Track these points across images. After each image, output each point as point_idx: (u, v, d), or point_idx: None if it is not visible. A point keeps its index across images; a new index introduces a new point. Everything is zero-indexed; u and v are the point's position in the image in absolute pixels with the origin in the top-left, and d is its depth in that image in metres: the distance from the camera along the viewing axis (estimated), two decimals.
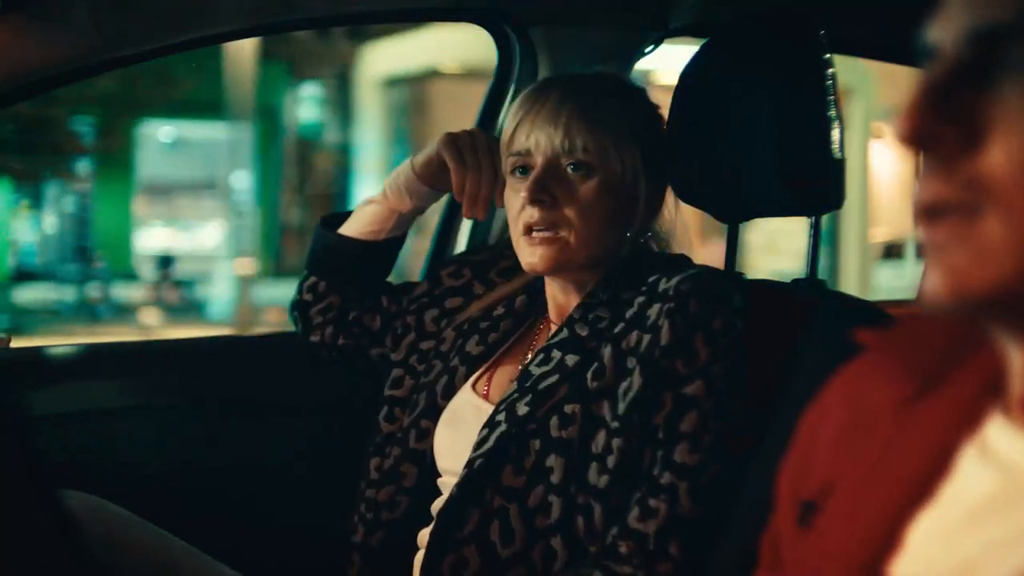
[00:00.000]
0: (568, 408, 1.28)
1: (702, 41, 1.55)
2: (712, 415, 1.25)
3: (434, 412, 1.45)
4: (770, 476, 0.83)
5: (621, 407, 1.25)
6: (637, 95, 1.43)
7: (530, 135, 1.35)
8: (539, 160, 1.34)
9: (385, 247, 1.63)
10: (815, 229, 1.48)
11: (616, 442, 1.24)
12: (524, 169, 1.37)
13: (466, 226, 1.89)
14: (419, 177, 1.57)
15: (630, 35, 1.75)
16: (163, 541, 1.36)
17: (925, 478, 0.65)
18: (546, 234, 1.34)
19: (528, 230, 1.34)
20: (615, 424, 1.25)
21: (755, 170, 1.43)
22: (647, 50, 1.80)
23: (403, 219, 1.62)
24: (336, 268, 1.64)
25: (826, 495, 0.73)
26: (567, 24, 1.75)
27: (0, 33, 1.36)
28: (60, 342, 1.75)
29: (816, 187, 1.44)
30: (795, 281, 1.49)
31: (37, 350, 1.73)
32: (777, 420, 1.23)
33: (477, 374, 1.45)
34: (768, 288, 1.50)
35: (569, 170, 1.34)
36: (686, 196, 1.51)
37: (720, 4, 1.70)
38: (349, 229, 1.63)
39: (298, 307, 1.68)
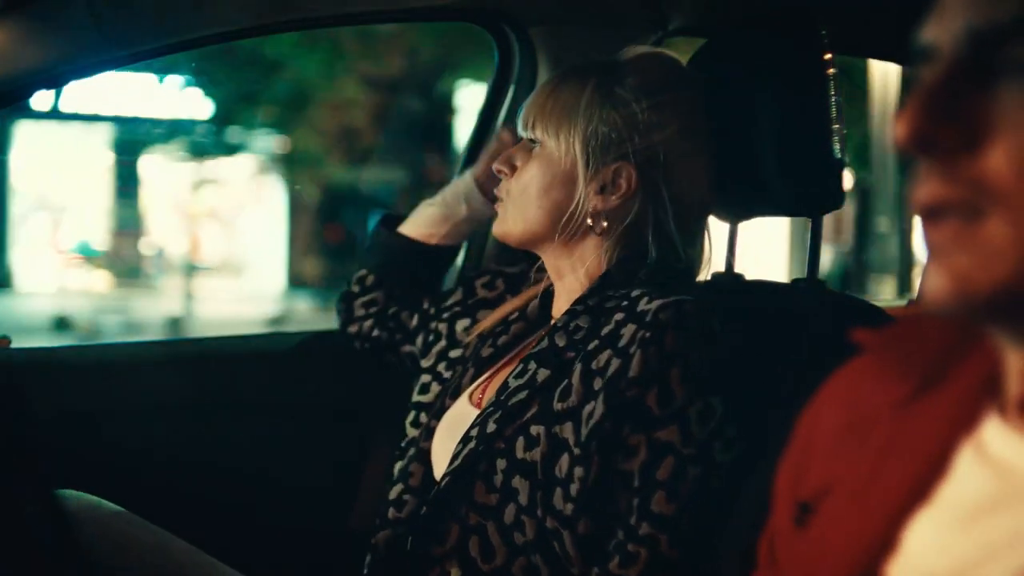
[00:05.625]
0: (534, 430, 1.26)
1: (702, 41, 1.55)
2: (690, 461, 1.21)
3: (441, 412, 1.46)
4: (770, 477, 0.83)
5: (583, 431, 1.23)
6: (608, 77, 1.37)
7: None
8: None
9: (436, 253, 1.68)
10: (815, 229, 1.48)
11: (577, 470, 1.22)
12: None
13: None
14: (478, 185, 1.65)
15: (630, 35, 1.75)
16: (163, 540, 1.36)
17: (922, 479, 0.65)
18: (501, 203, 1.44)
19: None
20: (577, 450, 1.23)
21: (755, 170, 1.43)
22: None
23: (458, 227, 1.68)
24: (385, 264, 1.69)
25: (822, 497, 0.73)
26: (567, 24, 1.74)
27: (0, 33, 1.36)
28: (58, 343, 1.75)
29: (816, 187, 1.44)
30: (795, 281, 1.49)
31: (37, 350, 1.73)
32: (778, 421, 1.23)
33: (477, 382, 1.45)
34: (768, 288, 1.50)
35: (527, 147, 1.42)
36: None
37: (720, 4, 1.70)
38: (405, 228, 1.68)
39: (345, 298, 1.72)
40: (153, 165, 14.04)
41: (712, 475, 1.23)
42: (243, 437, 1.72)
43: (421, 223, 1.67)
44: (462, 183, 1.67)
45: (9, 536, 1.15)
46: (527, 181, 1.38)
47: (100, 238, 14.23)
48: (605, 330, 1.27)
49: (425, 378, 1.56)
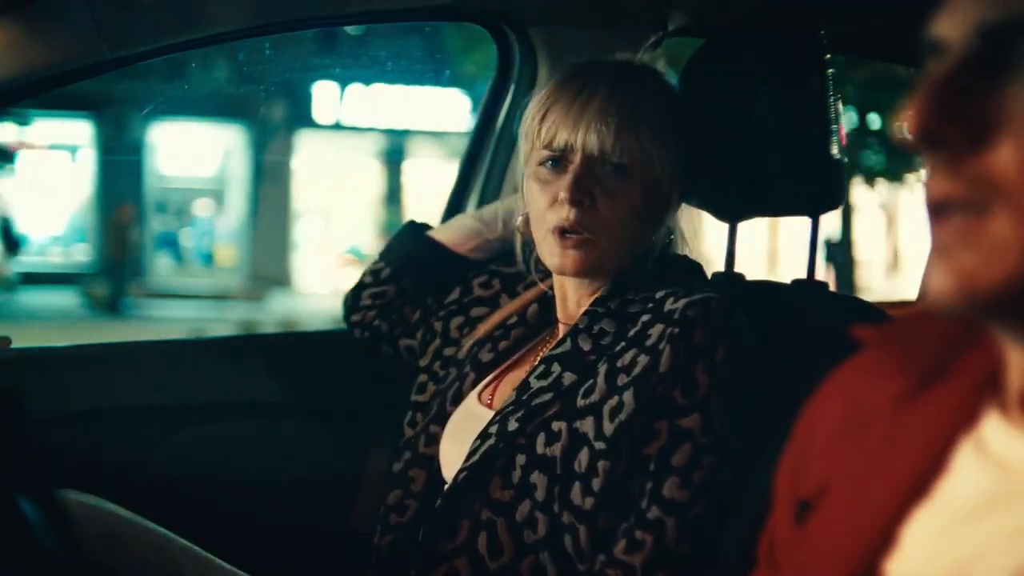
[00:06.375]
0: (555, 425, 1.27)
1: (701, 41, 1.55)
2: (706, 450, 1.22)
3: (443, 417, 1.45)
4: (770, 476, 0.83)
5: (608, 427, 1.23)
6: (665, 88, 1.38)
7: (577, 133, 1.28)
8: (578, 157, 1.28)
9: (459, 262, 1.65)
10: (814, 229, 1.48)
11: (602, 464, 1.22)
12: (556, 163, 1.30)
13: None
14: (516, 229, 1.57)
15: (629, 35, 1.75)
16: (163, 540, 1.36)
17: (922, 475, 0.65)
18: (579, 237, 1.28)
19: (561, 232, 1.29)
20: (600, 445, 1.23)
21: (754, 170, 1.44)
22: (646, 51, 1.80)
23: (487, 244, 1.65)
24: (406, 261, 1.68)
25: (822, 495, 0.73)
26: (567, 24, 1.75)
27: (0, 33, 1.36)
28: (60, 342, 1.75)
29: (815, 187, 1.44)
30: (795, 281, 1.49)
31: (37, 350, 1.73)
32: (778, 420, 1.23)
33: (484, 382, 1.45)
34: (768, 288, 1.50)
35: (608, 170, 1.28)
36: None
37: (720, 4, 1.70)
38: (436, 233, 1.68)
39: (355, 288, 1.72)
40: (417, 172, 14.80)
41: (724, 466, 1.24)
42: (243, 437, 1.72)
43: (454, 230, 1.67)
44: (503, 207, 1.65)
45: (9, 536, 1.15)
46: (628, 209, 1.28)
47: (369, 241, 15.17)
48: (631, 332, 1.28)
49: (422, 377, 1.57)
